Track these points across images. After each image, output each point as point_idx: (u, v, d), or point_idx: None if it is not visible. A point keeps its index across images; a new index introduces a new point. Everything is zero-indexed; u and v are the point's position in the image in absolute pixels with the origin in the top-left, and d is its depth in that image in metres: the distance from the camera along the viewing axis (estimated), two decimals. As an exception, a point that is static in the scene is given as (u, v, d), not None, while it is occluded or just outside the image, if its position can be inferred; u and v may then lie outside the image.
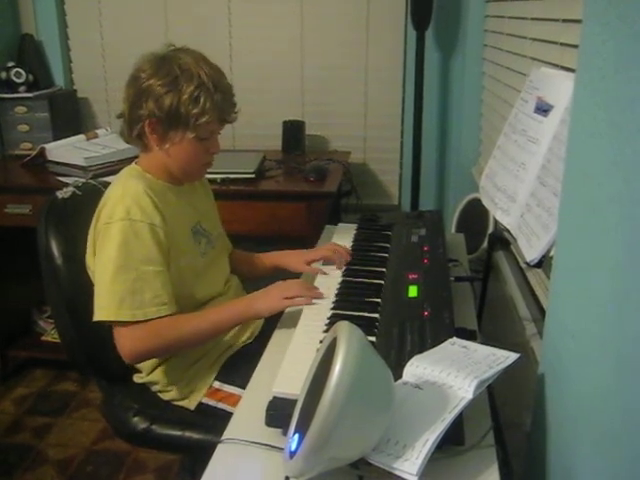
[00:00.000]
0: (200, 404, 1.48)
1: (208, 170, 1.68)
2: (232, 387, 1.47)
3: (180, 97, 1.34)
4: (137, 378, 1.55)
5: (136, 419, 1.50)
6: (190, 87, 1.34)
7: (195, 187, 1.59)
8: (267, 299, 1.39)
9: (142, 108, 1.36)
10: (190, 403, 1.49)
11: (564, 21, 1.36)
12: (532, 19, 1.66)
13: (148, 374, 1.51)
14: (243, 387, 1.23)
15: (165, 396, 1.51)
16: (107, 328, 1.36)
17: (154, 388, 1.53)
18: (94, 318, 1.34)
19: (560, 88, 1.25)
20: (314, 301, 1.38)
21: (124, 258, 1.31)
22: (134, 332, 1.33)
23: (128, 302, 1.31)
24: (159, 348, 1.38)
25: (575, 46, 1.22)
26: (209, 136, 1.42)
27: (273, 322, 1.44)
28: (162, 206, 1.38)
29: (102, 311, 1.33)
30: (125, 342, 1.34)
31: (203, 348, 1.49)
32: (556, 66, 1.39)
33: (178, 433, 1.47)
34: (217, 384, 1.48)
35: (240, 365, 1.47)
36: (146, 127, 1.38)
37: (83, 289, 1.40)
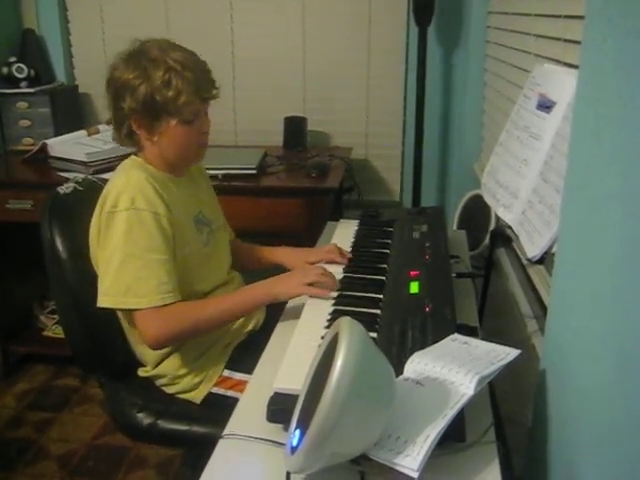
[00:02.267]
0: (208, 395, 1.48)
1: (209, 166, 1.68)
2: (242, 374, 1.47)
3: (152, 85, 1.35)
4: (142, 372, 1.54)
5: (141, 415, 1.49)
6: (159, 73, 1.35)
7: (195, 178, 1.60)
8: (287, 284, 1.40)
9: (123, 106, 1.38)
10: (197, 395, 1.49)
11: (567, 17, 1.35)
12: (535, 15, 1.66)
13: (154, 367, 1.51)
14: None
15: (171, 389, 1.51)
16: (113, 322, 1.36)
17: (159, 382, 1.52)
18: (98, 304, 1.35)
19: (562, 84, 1.25)
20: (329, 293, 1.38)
21: (130, 247, 1.33)
22: (155, 318, 1.34)
23: (133, 290, 1.32)
24: (181, 332, 1.38)
25: (578, 42, 1.21)
26: (194, 118, 1.41)
27: (276, 312, 1.45)
28: (165, 195, 1.39)
29: (107, 298, 1.35)
30: (149, 328, 1.35)
31: (209, 339, 1.50)
32: (559, 62, 1.39)
33: (185, 427, 1.47)
34: (227, 372, 1.49)
35: (248, 353, 1.47)
36: (133, 124, 1.40)
37: (88, 283, 1.40)
